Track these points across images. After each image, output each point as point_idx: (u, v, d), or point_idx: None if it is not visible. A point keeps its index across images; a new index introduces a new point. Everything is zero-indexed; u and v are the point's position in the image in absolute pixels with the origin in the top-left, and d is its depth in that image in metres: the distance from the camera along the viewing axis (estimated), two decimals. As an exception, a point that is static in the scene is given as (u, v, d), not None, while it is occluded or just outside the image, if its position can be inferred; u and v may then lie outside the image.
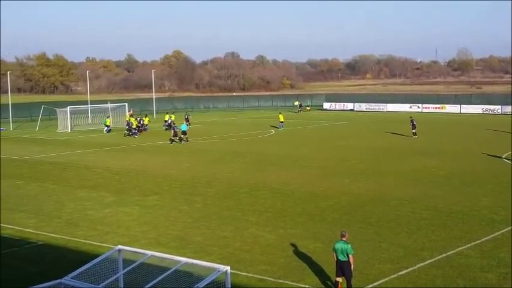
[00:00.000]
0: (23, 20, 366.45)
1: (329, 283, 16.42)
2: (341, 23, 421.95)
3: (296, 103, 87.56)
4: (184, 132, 50.12)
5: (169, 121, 60.46)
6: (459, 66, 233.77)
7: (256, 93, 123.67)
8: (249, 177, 32.64)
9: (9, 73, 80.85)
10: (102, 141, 51.51)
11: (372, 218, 23.37)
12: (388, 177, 32.00)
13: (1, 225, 23.26)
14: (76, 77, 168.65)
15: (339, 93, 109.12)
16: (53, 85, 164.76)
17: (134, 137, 54.55)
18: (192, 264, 13.68)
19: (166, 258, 14.29)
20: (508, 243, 19.70)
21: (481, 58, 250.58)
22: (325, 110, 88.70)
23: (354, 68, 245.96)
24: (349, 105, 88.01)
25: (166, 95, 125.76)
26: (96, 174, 34.66)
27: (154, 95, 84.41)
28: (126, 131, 56.26)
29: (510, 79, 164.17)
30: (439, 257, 18.44)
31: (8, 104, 68.14)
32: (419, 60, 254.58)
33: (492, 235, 20.77)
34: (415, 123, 51.07)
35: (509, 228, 21.56)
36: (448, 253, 18.78)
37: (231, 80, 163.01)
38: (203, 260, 15.03)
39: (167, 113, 65.66)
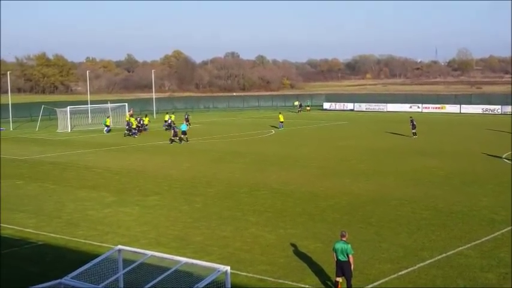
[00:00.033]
0: (23, 20, 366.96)
1: (329, 283, 16.42)
2: (341, 23, 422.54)
3: (296, 103, 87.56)
4: (184, 132, 50.13)
5: (169, 121, 60.48)
6: (459, 66, 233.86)
7: (256, 93, 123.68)
8: (249, 177, 32.64)
9: (9, 73, 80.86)
10: (102, 141, 51.51)
11: (372, 218, 23.37)
12: (388, 177, 32.01)
13: (1, 225, 23.26)
14: (76, 77, 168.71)
15: (339, 93, 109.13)
16: (53, 85, 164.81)
17: (134, 137, 54.55)
18: (192, 264, 13.69)
19: (166, 258, 14.29)
20: (508, 243, 19.70)
21: (481, 58, 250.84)
22: (325, 110, 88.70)
23: (354, 68, 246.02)
24: (349, 105, 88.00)
25: (167, 95, 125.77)
26: (96, 174, 34.66)
27: (154, 95, 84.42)
28: (126, 131, 56.26)
29: (510, 79, 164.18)
30: (439, 257, 18.44)
31: (8, 104, 68.15)
32: (419, 60, 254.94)
33: (492, 235, 20.77)
34: (415, 123, 51.08)
35: (509, 228, 21.55)
36: (448, 253, 18.78)
37: (231, 80, 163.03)
38: (203, 260, 15.03)
39: (167, 113, 65.68)
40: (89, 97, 78.06)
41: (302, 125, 64.73)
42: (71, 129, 61.91)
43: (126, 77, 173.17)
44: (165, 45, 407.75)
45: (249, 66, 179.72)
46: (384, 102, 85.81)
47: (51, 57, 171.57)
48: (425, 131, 54.06)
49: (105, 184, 31.69)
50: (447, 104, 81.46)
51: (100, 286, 13.58)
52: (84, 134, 58.16)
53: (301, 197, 27.46)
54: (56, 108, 66.39)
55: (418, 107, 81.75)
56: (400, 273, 17.09)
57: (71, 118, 62.79)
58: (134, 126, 55.72)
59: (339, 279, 15.69)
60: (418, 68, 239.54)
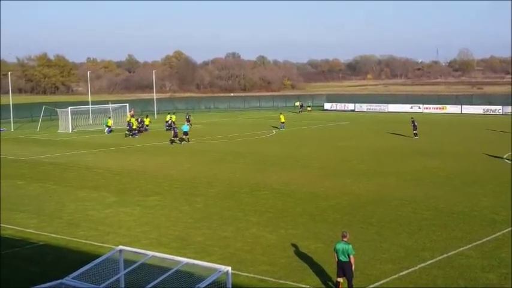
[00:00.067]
0: (23, 20, 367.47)
1: (330, 283, 16.41)
2: (341, 23, 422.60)
3: (297, 103, 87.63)
4: (185, 133, 50.18)
5: (170, 121, 60.48)
6: (460, 67, 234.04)
7: (257, 94, 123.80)
8: (250, 178, 32.64)
9: (10, 73, 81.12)
10: (103, 142, 51.53)
11: (373, 218, 23.36)
12: (389, 178, 31.99)
13: (2, 225, 23.27)
14: (77, 77, 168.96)
15: (339, 93, 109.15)
16: (54, 85, 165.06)
17: (135, 137, 54.57)
18: (193, 264, 13.69)
19: (167, 259, 14.30)
20: (509, 244, 19.68)
21: (482, 58, 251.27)
22: (326, 110, 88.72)
23: (354, 69, 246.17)
24: (350, 106, 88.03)
25: (167, 95, 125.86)
26: (97, 175, 34.67)
27: (155, 96, 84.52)
28: (127, 132, 56.28)
29: (511, 79, 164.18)
30: (440, 257, 18.43)
31: (9, 104, 68.25)
32: (420, 61, 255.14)
33: (493, 235, 20.75)
34: (416, 123, 51.06)
35: (510, 228, 21.53)
36: (449, 253, 18.77)
37: (231, 81, 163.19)
38: (204, 261, 15.04)
39: (168, 114, 65.70)
40: (89, 97, 78.14)
41: (303, 126, 64.73)
42: (72, 129, 61.92)
43: (127, 78, 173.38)
44: (165, 46, 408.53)
45: (250, 66, 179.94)
46: (384, 103, 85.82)
47: (52, 57, 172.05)
48: (426, 132, 54.06)
49: (106, 184, 31.70)
50: (448, 104, 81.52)
51: (101, 286, 13.59)
52: (85, 135, 58.18)
53: (302, 197, 27.46)
54: (57, 109, 66.43)
55: (419, 108, 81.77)
56: (401, 273, 17.08)
57: (72, 119, 62.80)
58: (134, 127, 55.75)
59: (340, 280, 15.68)
60: (419, 69, 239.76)
